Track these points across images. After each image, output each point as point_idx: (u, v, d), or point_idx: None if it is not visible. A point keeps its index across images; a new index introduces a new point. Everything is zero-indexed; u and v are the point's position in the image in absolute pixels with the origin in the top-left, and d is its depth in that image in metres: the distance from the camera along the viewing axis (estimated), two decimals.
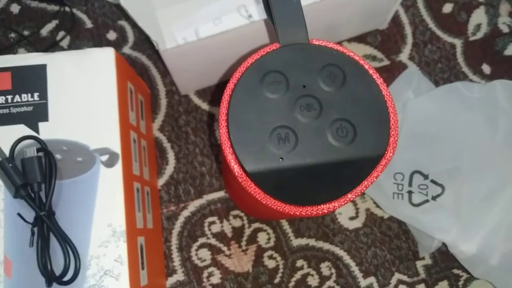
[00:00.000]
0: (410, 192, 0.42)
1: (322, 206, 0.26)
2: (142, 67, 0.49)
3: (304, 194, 0.25)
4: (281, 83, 0.26)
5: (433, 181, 0.41)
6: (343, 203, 0.26)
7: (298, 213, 0.25)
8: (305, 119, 0.25)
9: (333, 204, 0.26)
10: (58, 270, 0.30)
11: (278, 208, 0.25)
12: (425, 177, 0.41)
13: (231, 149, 0.25)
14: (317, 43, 0.27)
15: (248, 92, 0.25)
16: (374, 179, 0.25)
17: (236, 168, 0.25)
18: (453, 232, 0.40)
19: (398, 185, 0.42)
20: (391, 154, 0.25)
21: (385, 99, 0.26)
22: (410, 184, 0.41)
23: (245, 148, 0.25)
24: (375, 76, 0.26)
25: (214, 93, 0.49)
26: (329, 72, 0.26)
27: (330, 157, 0.25)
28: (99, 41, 0.50)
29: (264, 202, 0.25)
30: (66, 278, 0.30)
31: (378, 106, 0.26)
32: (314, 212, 0.25)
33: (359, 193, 0.26)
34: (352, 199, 0.26)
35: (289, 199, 0.25)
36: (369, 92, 0.26)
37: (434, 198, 0.41)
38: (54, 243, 0.30)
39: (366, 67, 0.27)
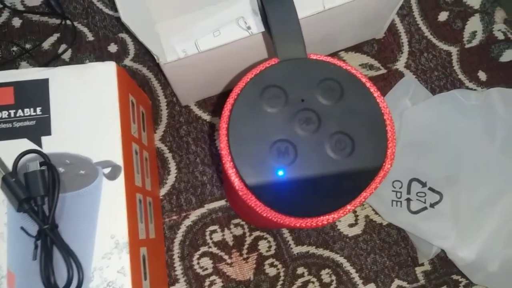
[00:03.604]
0: (408, 200, 0.42)
1: (321, 217, 0.26)
2: (143, 78, 0.50)
3: (303, 206, 0.26)
4: (280, 98, 0.26)
5: (431, 189, 0.41)
6: (342, 214, 0.26)
7: (298, 225, 0.26)
8: (304, 132, 0.26)
9: (332, 215, 0.26)
10: (61, 283, 0.30)
11: (278, 220, 0.26)
12: (423, 184, 0.42)
13: (231, 163, 0.26)
14: (315, 57, 0.27)
15: (248, 107, 0.26)
16: (373, 190, 0.26)
17: (236, 182, 0.26)
18: (452, 239, 0.40)
19: (396, 192, 0.43)
20: (389, 166, 0.26)
21: (382, 111, 0.26)
22: (408, 192, 0.42)
23: (246, 162, 0.25)
24: (372, 89, 0.27)
25: (214, 104, 0.50)
26: (327, 86, 0.26)
27: (329, 169, 0.25)
28: (101, 54, 0.50)
29: (264, 215, 0.26)
30: None
31: (376, 119, 0.26)
32: (314, 224, 0.26)
33: (358, 204, 0.26)
34: (351, 210, 0.26)
35: (289, 211, 0.26)
36: (367, 105, 0.26)
37: (432, 205, 0.41)
38: (57, 255, 0.31)
39: (363, 80, 0.27)
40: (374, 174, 0.26)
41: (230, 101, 0.27)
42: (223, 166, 0.26)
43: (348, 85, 0.27)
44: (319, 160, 0.25)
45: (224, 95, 0.50)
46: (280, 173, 0.25)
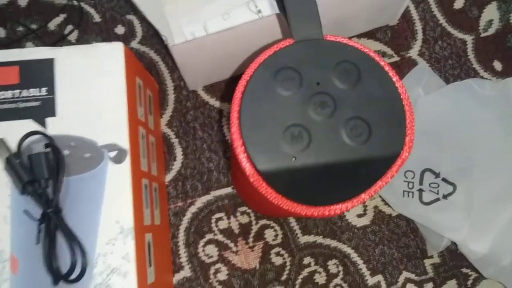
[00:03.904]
0: (420, 191, 0.41)
1: (334, 206, 0.25)
2: (150, 62, 0.49)
3: (316, 194, 0.25)
4: (294, 80, 0.25)
5: (444, 180, 0.40)
6: (356, 204, 0.25)
7: (309, 214, 0.25)
8: (319, 117, 0.25)
9: (346, 204, 0.25)
10: (64, 268, 0.29)
11: (290, 208, 0.25)
12: (437, 175, 0.41)
13: (242, 148, 0.25)
14: (331, 39, 0.26)
15: (261, 89, 0.25)
16: (389, 179, 0.25)
17: (247, 167, 0.25)
18: (464, 232, 0.39)
19: (408, 183, 0.42)
20: (406, 154, 0.25)
21: (401, 97, 0.25)
22: (421, 183, 0.41)
23: (257, 147, 0.24)
24: (391, 73, 0.26)
25: (222, 89, 0.49)
26: (343, 69, 0.25)
27: (344, 156, 0.24)
28: (107, 36, 0.49)
29: (275, 202, 0.25)
30: (72, 277, 0.30)
31: (394, 104, 0.25)
32: (327, 213, 0.25)
33: (373, 194, 0.25)
34: (365, 199, 0.25)
35: (301, 199, 0.25)
36: (385, 89, 0.25)
37: (445, 196, 0.40)
38: (61, 240, 0.30)
39: (382, 63, 0.26)
40: (390, 162, 0.25)
41: (242, 82, 0.25)
42: (233, 150, 0.25)
43: (366, 69, 0.25)
44: (333, 146, 0.24)
45: (232, 80, 0.49)
46: (293, 159, 0.24)
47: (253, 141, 0.24)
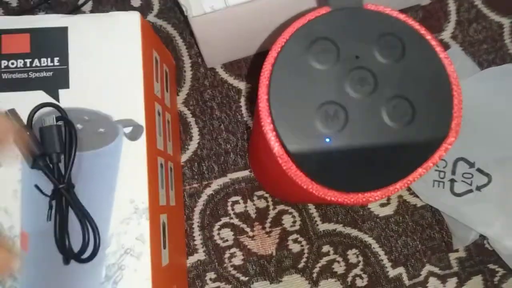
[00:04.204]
0: (452, 181, 0.39)
1: (369, 193, 0.23)
2: (167, 36, 0.46)
3: (351, 180, 0.22)
4: (331, 52, 0.23)
5: (479, 170, 0.38)
6: (393, 192, 0.23)
7: (342, 201, 0.23)
8: (357, 94, 0.22)
9: (382, 192, 0.23)
10: (76, 247, 0.28)
11: (320, 194, 0.23)
12: (471, 165, 0.38)
13: (271, 126, 0.22)
14: (372, 8, 0.24)
15: (293, 62, 0.23)
16: (431, 166, 0.23)
17: (276, 147, 0.22)
18: (497, 226, 0.37)
19: (439, 172, 0.39)
20: (452, 139, 0.22)
21: (449, 75, 0.23)
22: (453, 172, 0.38)
23: (288, 125, 0.22)
24: (438, 48, 0.23)
25: (242, 67, 0.46)
26: (386, 42, 0.23)
27: (384, 139, 0.22)
28: (123, 7, 0.47)
29: (305, 187, 0.23)
30: (84, 256, 0.28)
31: (441, 83, 0.23)
32: (360, 201, 0.23)
33: (412, 181, 0.23)
34: (403, 187, 0.23)
35: (333, 185, 0.22)
36: (431, 66, 0.23)
37: (478, 188, 0.38)
38: (72, 217, 0.28)
39: (428, 37, 0.23)
40: (435, 148, 0.22)
41: (272, 54, 0.23)
42: (260, 129, 0.23)
43: (411, 42, 0.23)
44: (373, 128, 0.22)
45: (254, 58, 0.46)
46: (327, 140, 0.22)
47: (284, 119, 0.22)
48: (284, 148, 0.22)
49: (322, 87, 0.22)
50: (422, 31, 0.23)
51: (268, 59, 0.23)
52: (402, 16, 0.24)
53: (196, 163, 0.44)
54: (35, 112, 0.29)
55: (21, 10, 0.46)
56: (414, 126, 0.22)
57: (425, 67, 0.23)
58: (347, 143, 0.22)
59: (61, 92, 0.30)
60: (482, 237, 0.41)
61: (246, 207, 0.43)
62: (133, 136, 0.31)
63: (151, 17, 0.47)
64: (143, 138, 0.30)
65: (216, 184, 0.44)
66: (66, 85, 0.31)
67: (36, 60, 0.31)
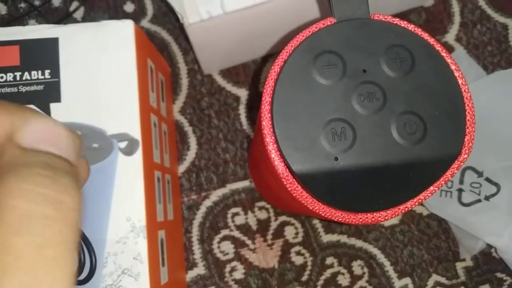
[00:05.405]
0: (460, 190, 0.38)
1: (378, 214, 0.22)
2: (162, 43, 0.45)
3: (359, 200, 0.21)
4: (337, 67, 0.21)
5: (487, 179, 0.36)
6: (402, 211, 0.22)
7: (349, 221, 0.22)
8: (365, 110, 0.21)
9: (391, 211, 0.22)
10: None
11: (327, 215, 0.22)
12: (479, 174, 0.37)
13: (275, 145, 0.21)
14: (380, 18, 0.22)
15: (297, 77, 0.21)
16: (443, 184, 0.21)
17: (280, 168, 0.21)
18: (506, 236, 0.36)
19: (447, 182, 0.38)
20: (465, 156, 0.21)
21: (461, 89, 0.22)
22: (461, 182, 0.37)
23: (293, 144, 0.21)
24: (450, 60, 0.22)
25: (239, 74, 0.45)
26: (395, 55, 0.21)
27: (393, 157, 0.21)
28: (116, 13, 0.45)
29: (311, 208, 0.21)
30: (81, 277, 0.27)
31: (453, 97, 0.21)
32: (369, 220, 0.22)
33: (423, 200, 0.22)
34: (414, 206, 0.22)
35: (341, 205, 0.21)
36: (443, 79, 0.21)
37: (487, 198, 0.37)
38: None
39: (439, 49, 0.22)
40: (447, 165, 0.21)
41: (275, 69, 0.22)
42: (263, 147, 0.22)
43: (421, 55, 0.22)
44: (382, 146, 0.21)
45: (252, 64, 0.45)
46: (335, 160, 0.21)
47: (288, 137, 0.21)
48: (289, 169, 0.21)
49: (328, 103, 0.21)
50: (432, 41, 0.22)
51: (271, 74, 0.22)
52: (411, 27, 0.22)
53: (194, 174, 0.43)
54: None
55: (10, 18, 0.44)
56: (426, 143, 0.21)
57: (436, 80, 0.21)
58: (355, 162, 0.21)
59: (53, 106, 0.29)
60: (490, 245, 0.40)
61: (246, 218, 0.42)
62: (128, 151, 0.29)
63: (145, 23, 0.45)
64: (139, 152, 0.29)
65: (215, 195, 0.42)
66: (57, 98, 0.29)
67: (26, 73, 0.30)
